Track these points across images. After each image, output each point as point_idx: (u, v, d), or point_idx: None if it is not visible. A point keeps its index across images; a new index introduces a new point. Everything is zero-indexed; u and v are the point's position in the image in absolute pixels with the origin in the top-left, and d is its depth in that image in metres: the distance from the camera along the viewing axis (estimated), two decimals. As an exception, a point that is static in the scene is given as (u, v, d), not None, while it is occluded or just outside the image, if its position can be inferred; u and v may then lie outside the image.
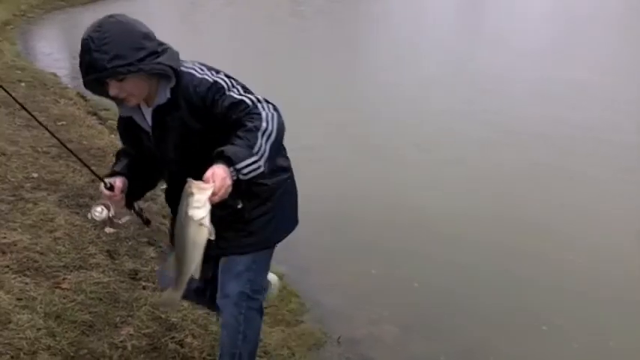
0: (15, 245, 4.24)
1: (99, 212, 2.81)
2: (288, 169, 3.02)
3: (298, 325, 4.57)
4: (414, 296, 5.09)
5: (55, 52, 14.90)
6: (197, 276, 2.44)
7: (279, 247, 3.04)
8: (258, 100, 2.55)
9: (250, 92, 2.61)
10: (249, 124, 2.45)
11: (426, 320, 4.78)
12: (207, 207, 2.28)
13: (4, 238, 4.29)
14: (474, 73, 12.74)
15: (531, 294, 5.10)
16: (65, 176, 5.81)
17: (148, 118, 2.76)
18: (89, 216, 2.82)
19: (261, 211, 2.91)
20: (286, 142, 2.65)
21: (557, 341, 4.51)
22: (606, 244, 5.89)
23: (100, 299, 3.89)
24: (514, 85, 11.81)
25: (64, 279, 4.00)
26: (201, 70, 2.68)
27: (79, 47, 2.49)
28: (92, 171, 3.12)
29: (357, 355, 4.34)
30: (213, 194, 2.29)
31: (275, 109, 2.55)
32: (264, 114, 2.49)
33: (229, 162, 2.36)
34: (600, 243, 5.91)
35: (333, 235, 6.08)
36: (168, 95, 2.64)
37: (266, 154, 2.43)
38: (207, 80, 2.62)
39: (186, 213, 2.29)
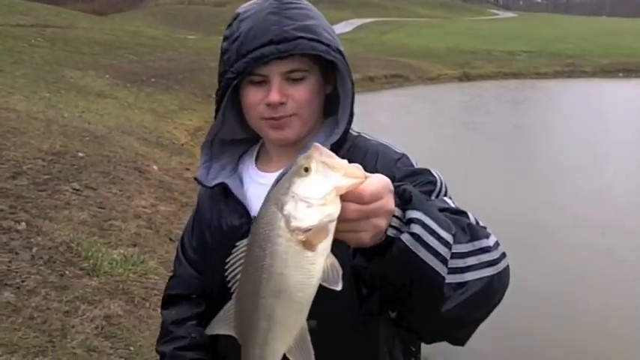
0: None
1: None
2: None
3: None
4: None
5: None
6: None
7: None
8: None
9: None
10: (472, 223, 1.35)
11: None
12: (331, 212, 1.04)
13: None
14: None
15: None
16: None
17: (262, 191, 1.31)
18: None
19: None
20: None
21: None
22: None
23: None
24: None
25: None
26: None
27: None
28: None
29: None
30: (357, 196, 1.08)
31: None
32: (496, 241, 1.35)
33: (403, 198, 1.22)
34: None
35: None
36: None
37: (464, 275, 1.25)
38: (403, 158, 1.62)
39: (280, 209, 1.06)
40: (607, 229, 9.49)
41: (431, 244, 1.18)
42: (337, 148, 1.54)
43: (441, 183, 1.53)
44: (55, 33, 23.30)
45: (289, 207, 1.04)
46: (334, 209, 1.04)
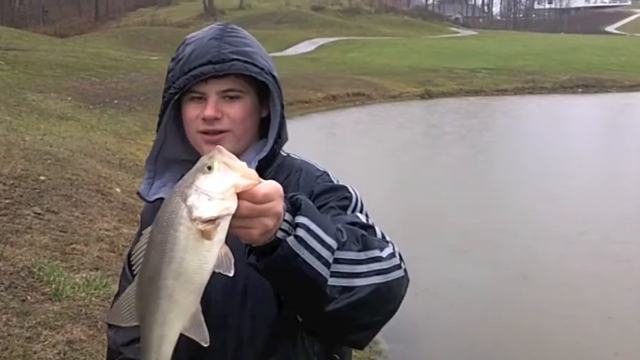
0: None
1: None
2: None
3: None
4: None
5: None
6: (202, 339, 1.24)
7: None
8: (391, 240, 1.55)
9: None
10: (366, 234, 1.49)
11: None
12: (229, 207, 1.16)
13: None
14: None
15: None
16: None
17: None
18: None
19: None
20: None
21: None
22: None
23: None
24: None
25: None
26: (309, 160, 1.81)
27: None
28: None
29: None
30: (251, 195, 1.20)
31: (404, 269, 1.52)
32: (395, 250, 1.50)
33: (294, 205, 1.36)
34: None
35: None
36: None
37: (352, 276, 1.39)
38: (323, 175, 1.74)
39: (183, 200, 1.17)
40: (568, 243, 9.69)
41: (314, 247, 1.33)
42: (265, 165, 1.70)
43: (357, 199, 1.68)
44: (17, 56, 23.11)
45: (192, 199, 1.16)
46: (231, 204, 1.16)
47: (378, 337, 6.49)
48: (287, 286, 1.40)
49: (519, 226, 10.48)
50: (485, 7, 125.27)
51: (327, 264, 1.35)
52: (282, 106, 1.72)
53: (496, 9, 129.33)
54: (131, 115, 17.65)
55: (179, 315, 1.22)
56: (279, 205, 1.27)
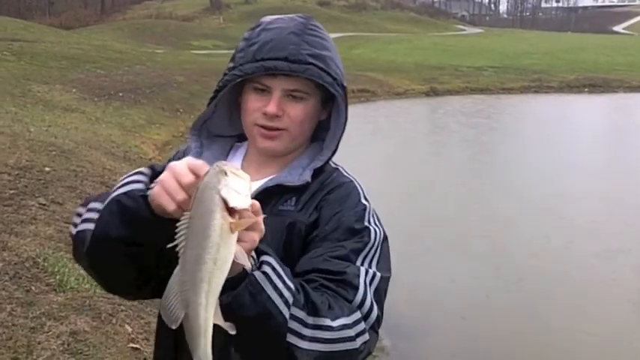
0: None
1: None
2: None
3: None
4: None
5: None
6: (229, 327, 1.30)
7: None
8: (371, 309, 1.52)
9: (379, 293, 1.57)
10: (325, 295, 1.48)
11: None
12: (250, 203, 1.29)
13: None
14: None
15: None
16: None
17: None
18: None
19: None
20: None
21: None
22: None
23: None
24: None
25: None
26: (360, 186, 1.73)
27: None
28: None
29: None
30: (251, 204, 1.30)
31: (375, 333, 1.55)
32: (358, 321, 1.49)
33: (257, 251, 1.39)
34: None
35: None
36: (307, 178, 1.64)
37: (301, 330, 1.40)
38: (360, 209, 1.66)
39: (217, 193, 1.27)
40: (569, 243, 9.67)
41: (277, 284, 1.37)
42: (318, 174, 1.67)
43: (372, 245, 1.61)
44: (22, 47, 23.11)
45: (225, 192, 1.26)
46: (247, 200, 1.29)
47: (381, 333, 6.47)
48: (247, 325, 1.35)
49: (523, 228, 10.46)
50: (492, 5, 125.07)
51: (287, 304, 1.37)
52: (346, 119, 1.69)
53: (503, 7, 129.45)
54: (136, 108, 17.64)
55: (213, 302, 1.28)
56: (262, 223, 1.32)
